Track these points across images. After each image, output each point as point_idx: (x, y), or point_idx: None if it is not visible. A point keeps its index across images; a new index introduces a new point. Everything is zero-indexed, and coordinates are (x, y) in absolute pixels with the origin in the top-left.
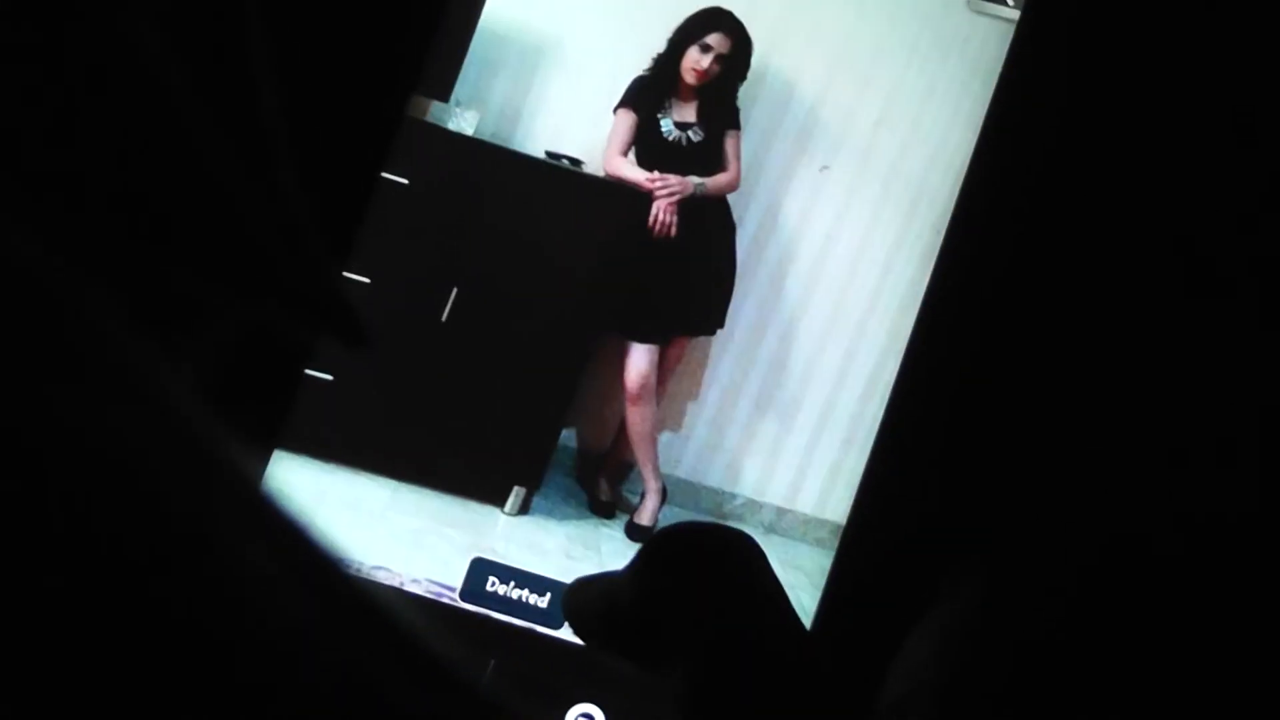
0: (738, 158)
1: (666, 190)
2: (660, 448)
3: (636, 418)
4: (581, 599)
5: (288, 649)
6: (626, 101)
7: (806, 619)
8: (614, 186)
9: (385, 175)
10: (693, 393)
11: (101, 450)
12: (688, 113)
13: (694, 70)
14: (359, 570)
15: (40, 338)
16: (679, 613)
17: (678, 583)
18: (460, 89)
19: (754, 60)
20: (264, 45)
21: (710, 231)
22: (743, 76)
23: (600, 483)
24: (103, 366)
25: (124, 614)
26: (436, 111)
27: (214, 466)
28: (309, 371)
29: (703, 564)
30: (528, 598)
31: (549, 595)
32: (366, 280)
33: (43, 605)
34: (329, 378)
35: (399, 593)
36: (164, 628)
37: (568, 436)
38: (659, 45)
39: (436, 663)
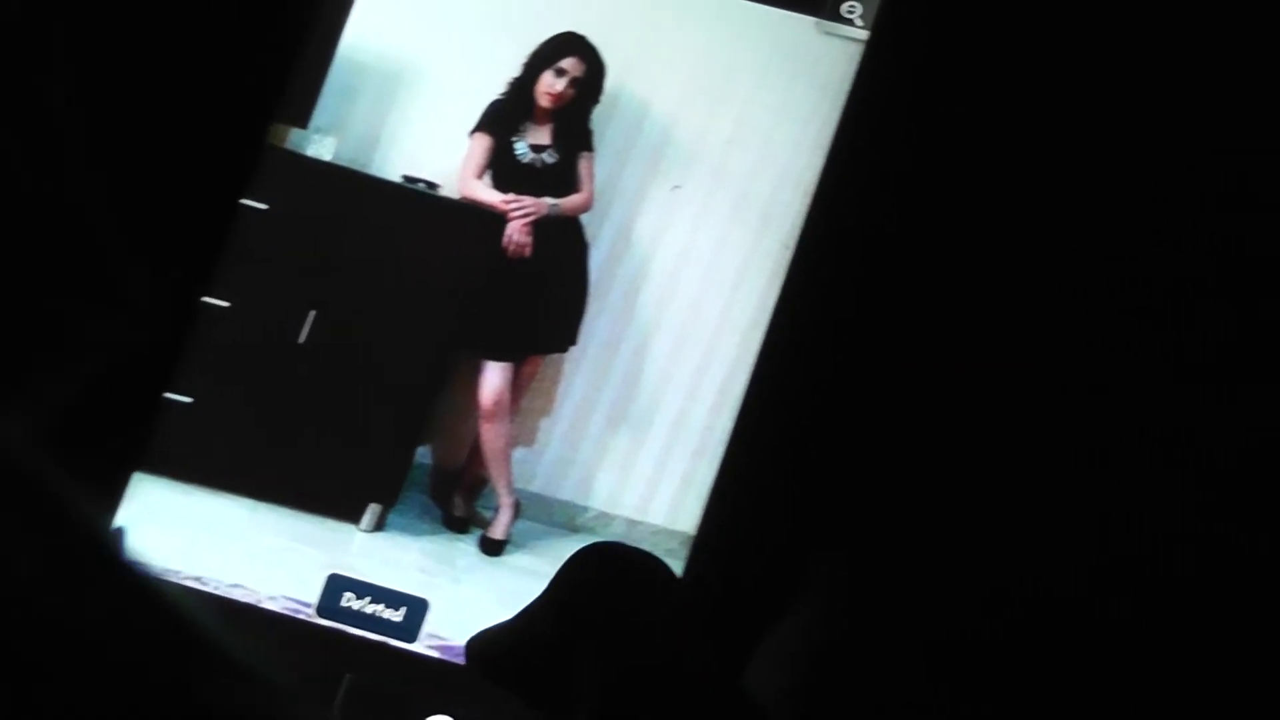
0: (591, 179)
1: (521, 211)
2: (514, 463)
3: (491, 434)
4: (487, 638)
5: (86, 650)
6: (482, 125)
7: None
8: (469, 209)
9: (244, 201)
10: (546, 409)
11: None
12: (542, 135)
13: (548, 94)
14: (215, 589)
15: None
16: (589, 636)
17: (586, 607)
18: (319, 115)
19: (608, 83)
20: (59, 56)
21: (564, 251)
22: (596, 99)
23: (455, 499)
24: None
25: None
26: (295, 138)
27: (20, 481)
28: (167, 394)
29: (611, 589)
30: (383, 612)
31: (404, 610)
32: (226, 304)
33: None
34: (188, 400)
35: (255, 609)
36: None
37: (423, 454)
38: (515, 70)
39: (237, 660)
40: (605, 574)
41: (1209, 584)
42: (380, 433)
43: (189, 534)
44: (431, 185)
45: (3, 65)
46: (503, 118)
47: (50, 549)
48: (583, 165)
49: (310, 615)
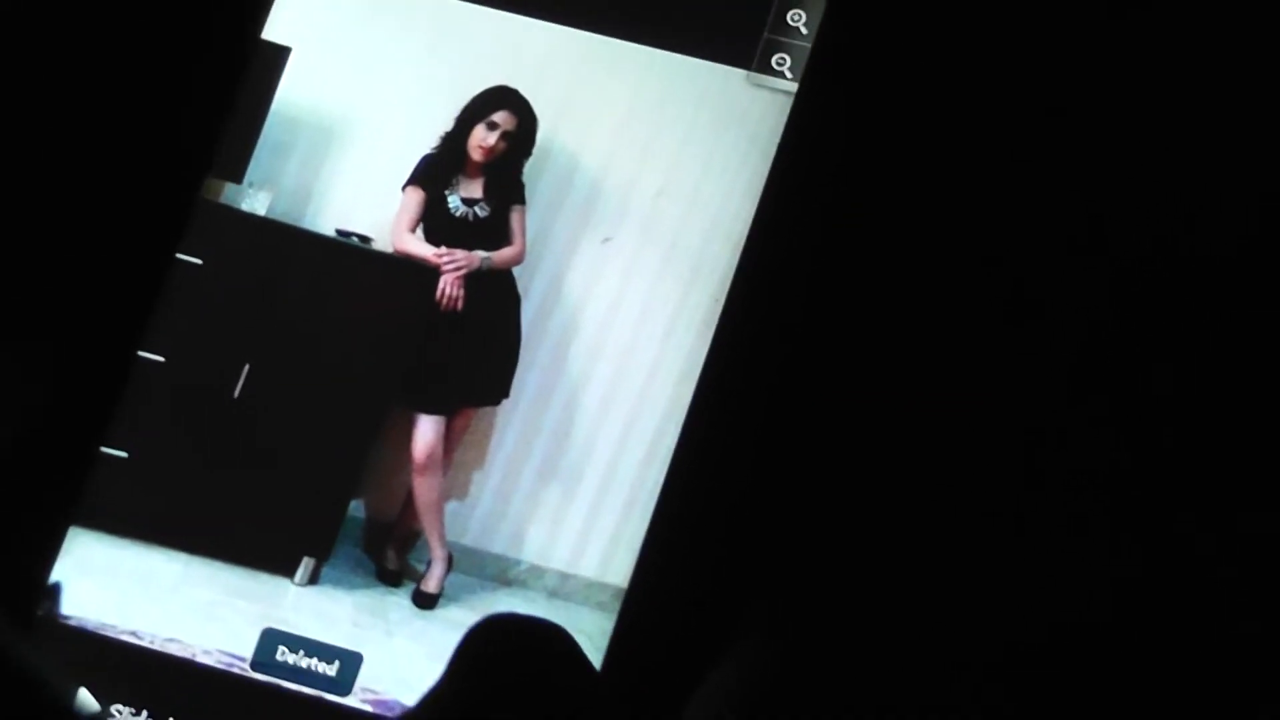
0: (523, 232)
1: (453, 265)
2: (447, 516)
3: (423, 487)
4: None
5: None
6: (415, 179)
7: None
8: (402, 262)
9: (179, 255)
10: (479, 462)
11: None
12: (474, 189)
13: (480, 148)
14: (151, 643)
15: None
16: (497, 709)
17: (488, 683)
18: (253, 170)
19: (539, 136)
20: None
21: (495, 304)
22: (528, 153)
23: (388, 552)
24: None
25: None
26: (230, 193)
27: None
28: (103, 449)
29: (513, 661)
30: (316, 666)
31: (337, 663)
32: (161, 359)
33: None
34: (124, 454)
35: (190, 664)
36: None
37: (356, 507)
38: (447, 124)
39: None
40: (505, 649)
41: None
42: (314, 486)
43: (125, 588)
44: (365, 239)
45: None
46: (435, 171)
47: None
48: (515, 218)
49: (245, 669)
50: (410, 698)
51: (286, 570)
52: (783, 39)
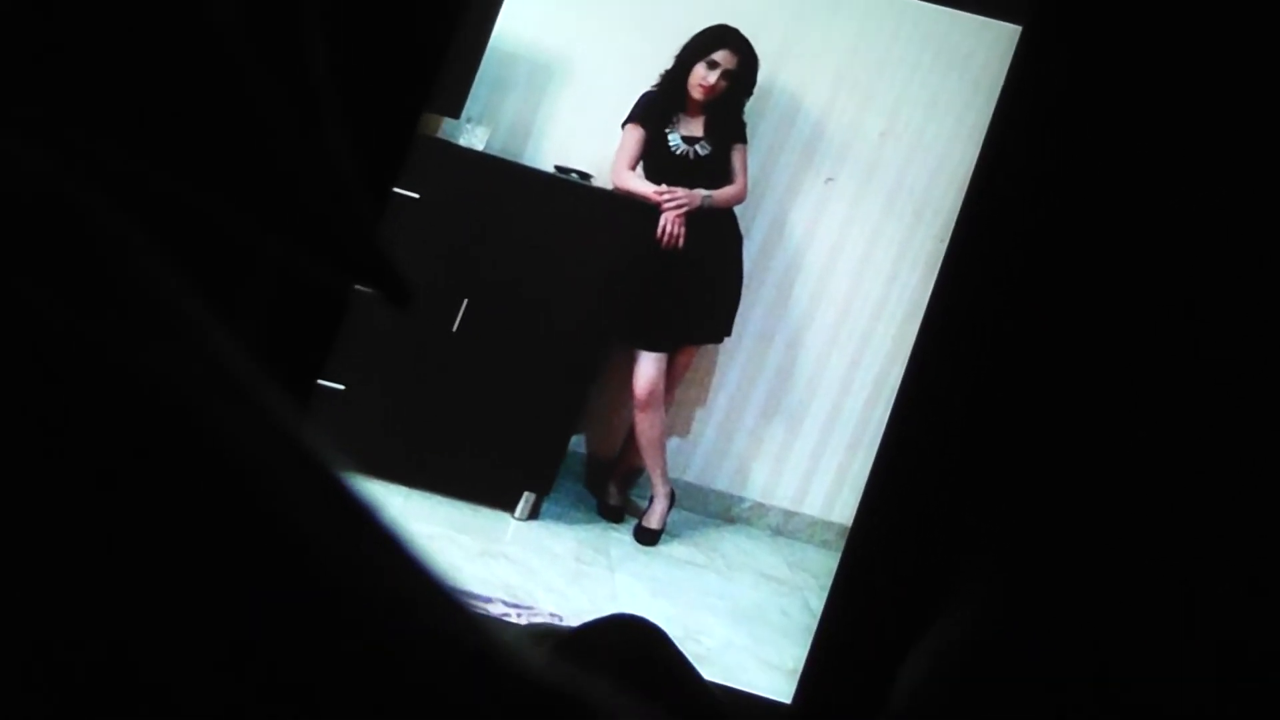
0: (744, 171)
1: (675, 203)
2: (669, 453)
3: (645, 424)
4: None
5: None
6: (635, 117)
7: (813, 620)
8: (623, 200)
9: (397, 190)
10: (701, 399)
11: (143, 387)
12: (695, 127)
13: (701, 86)
14: None
15: (84, 275)
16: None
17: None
18: (471, 106)
19: (760, 76)
20: (316, 15)
21: (717, 243)
22: (749, 92)
23: (609, 488)
24: (146, 306)
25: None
26: (448, 128)
27: (258, 412)
28: (321, 381)
29: (617, 659)
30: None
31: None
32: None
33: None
34: (340, 387)
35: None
36: (221, 578)
37: (577, 443)
38: (666, 62)
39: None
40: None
41: None
42: (534, 422)
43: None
44: (584, 176)
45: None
46: (655, 109)
47: None
48: (736, 157)
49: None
50: None
51: (507, 505)
52: None
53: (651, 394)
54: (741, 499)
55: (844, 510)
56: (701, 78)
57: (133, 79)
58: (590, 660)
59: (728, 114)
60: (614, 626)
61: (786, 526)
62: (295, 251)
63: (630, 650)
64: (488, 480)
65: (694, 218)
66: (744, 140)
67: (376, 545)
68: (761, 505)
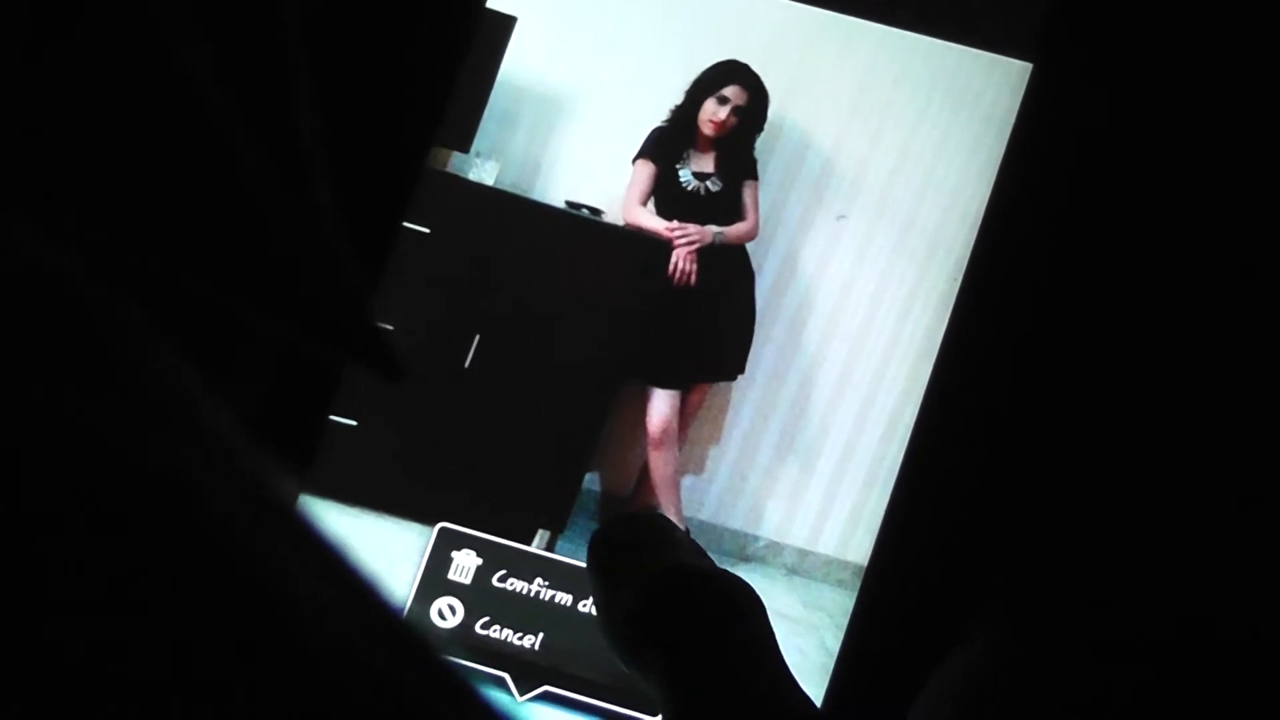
0: (755, 207)
1: (686, 239)
2: (683, 491)
3: (659, 462)
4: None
5: (339, 672)
6: (645, 152)
7: (829, 659)
8: (634, 236)
9: (407, 224)
10: (714, 437)
11: (132, 464)
12: (706, 163)
13: (711, 122)
14: None
15: (72, 347)
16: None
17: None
18: (480, 140)
19: (770, 111)
20: (305, 68)
21: (730, 279)
22: (759, 128)
23: None
24: (135, 380)
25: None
26: (457, 162)
27: (252, 488)
28: (333, 417)
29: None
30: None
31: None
32: (390, 327)
33: (60, 616)
34: (353, 423)
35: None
36: (206, 648)
37: (591, 480)
38: (676, 97)
39: (466, 685)
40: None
41: None
42: (547, 458)
43: (357, 557)
44: (595, 211)
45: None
46: (666, 145)
47: None
48: (747, 193)
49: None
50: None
51: (522, 542)
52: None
53: (665, 431)
54: (756, 538)
55: (859, 549)
56: (712, 113)
57: (115, 158)
58: (684, 610)
59: (738, 150)
60: (717, 583)
61: (801, 565)
62: (287, 332)
63: (725, 612)
64: (501, 517)
65: (706, 254)
66: (755, 176)
67: (378, 624)
68: (776, 544)
